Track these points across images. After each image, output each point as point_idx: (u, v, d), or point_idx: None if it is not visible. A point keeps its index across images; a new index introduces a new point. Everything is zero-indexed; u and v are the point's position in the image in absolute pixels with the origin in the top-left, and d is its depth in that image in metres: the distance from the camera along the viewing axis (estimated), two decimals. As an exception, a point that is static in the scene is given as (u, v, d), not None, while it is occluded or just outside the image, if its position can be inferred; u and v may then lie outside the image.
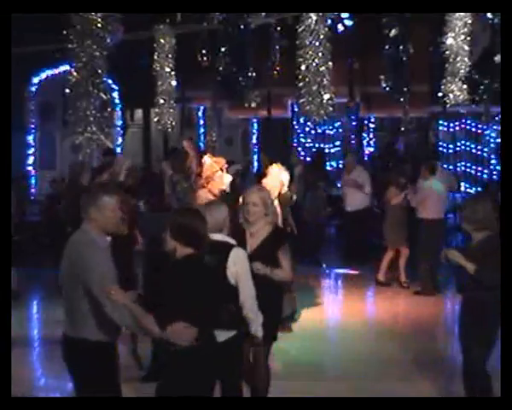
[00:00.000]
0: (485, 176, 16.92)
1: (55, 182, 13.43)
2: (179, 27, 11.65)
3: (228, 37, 10.44)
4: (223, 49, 10.50)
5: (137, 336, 6.79)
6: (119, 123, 16.01)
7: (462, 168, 16.91)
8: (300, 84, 9.64)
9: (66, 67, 10.25)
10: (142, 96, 14.58)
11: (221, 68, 10.55)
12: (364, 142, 18.07)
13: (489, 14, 9.79)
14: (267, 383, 5.80)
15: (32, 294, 10.59)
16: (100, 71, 9.15)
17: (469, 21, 9.08)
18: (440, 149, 17.31)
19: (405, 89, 11.35)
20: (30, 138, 15.28)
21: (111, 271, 4.57)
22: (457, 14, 9.02)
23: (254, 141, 18.35)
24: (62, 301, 4.64)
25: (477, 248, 5.66)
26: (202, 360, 4.42)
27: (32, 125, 15.29)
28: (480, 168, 17.22)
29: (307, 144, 18.21)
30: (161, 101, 11.57)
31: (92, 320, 4.49)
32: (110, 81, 12.16)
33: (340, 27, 14.09)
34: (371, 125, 18.36)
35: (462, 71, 9.16)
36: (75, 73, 9.13)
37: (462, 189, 15.84)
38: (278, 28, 12.45)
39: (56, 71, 14.51)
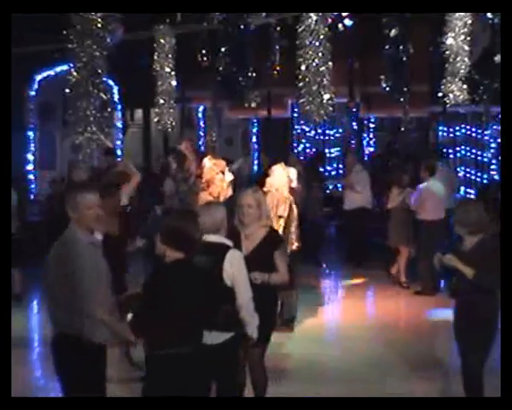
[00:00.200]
0: (485, 181, 16.92)
1: (55, 182, 13.42)
2: (179, 27, 11.65)
3: (228, 37, 10.44)
4: (223, 49, 10.51)
5: None
6: (119, 123, 15.99)
7: (462, 173, 16.89)
8: (300, 84, 9.65)
9: (66, 67, 10.25)
10: (142, 96, 14.58)
11: (221, 68, 10.55)
12: (364, 142, 18.07)
13: (489, 14, 9.79)
14: (264, 383, 5.81)
15: (32, 294, 10.58)
16: (100, 71, 9.15)
17: (469, 21, 9.08)
18: (440, 150, 17.32)
19: (405, 89, 11.36)
20: (30, 138, 15.26)
21: (97, 269, 4.60)
22: (457, 14, 9.02)
23: (254, 141, 18.35)
24: (48, 300, 4.68)
25: (473, 252, 5.62)
26: (191, 364, 4.38)
27: (32, 125, 15.27)
28: (479, 174, 17.22)
29: (307, 144, 18.21)
30: (161, 101, 11.57)
31: (78, 318, 4.53)
32: (110, 81, 12.17)
33: (340, 27, 14.08)
34: (371, 125, 18.36)
35: (462, 71, 9.16)
36: (75, 73, 9.14)
37: (462, 192, 15.82)
38: (278, 28, 12.45)
39: (56, 71, 14.51)
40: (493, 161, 16.85)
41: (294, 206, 8.46)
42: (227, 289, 5.15)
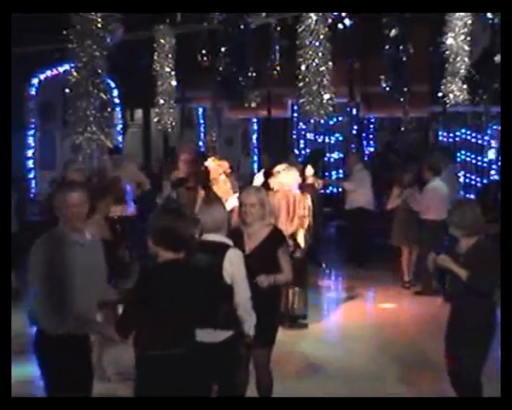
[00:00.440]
0: (485, 164, 16.94)
1: (55, 182, 13.41)
2: (179, 27, 11.64)
3: (228, 37, 10.42)
4: (223, 49, 10.49)
5: None
6: (119, 123, 15.99)
7: (462, 178, 16.91)
8: (300, 84, 9.64)
9: (66, 67, 10.25)
10: (142, 96, 14.57)
11: (221, 68, 10.53)
12: (364, 142, 18.07)
13: (489, 14, 9.79)
14: (270, 385, 5.80)
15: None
16: (100, 71, 9.14)
17: (469, 21, 9.06)
18: (440, 138, 17.36)
19: (405, 89, 11.34)
20: (30, 138, 15.26)
21: (82, 269, 4.64)
22: (457, 14, 9.01)
23: (254, 141, 18.35)
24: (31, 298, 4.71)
25: (469, 254, 5.55)
26: (185, 364, 4.35)
27: (32, 125, 15.27)
28: (478, 179, 17.24)
29: (307, 145, 18.21)
30: (161, 101, 11.56)
31: (61, 312, 4.58)
32: (110, 81, 12.16)
33: (341, 27, 14.07)
34: (371, 126, 18.37)
35: (462, 71, 9.14)
36: (75, 73, 9.12)
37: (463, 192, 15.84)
38: (278, 28, 12.44)
39: (56, 71, 14.51)
40: (493, 166, 16.88)
41: (311, 204, 8.59)
42: (227, 287, 5.16)
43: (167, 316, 4.30)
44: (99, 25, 8.99)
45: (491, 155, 17.24)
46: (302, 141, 18.14)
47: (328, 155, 17.83)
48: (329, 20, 9.79)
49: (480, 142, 17.28)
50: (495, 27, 9.97)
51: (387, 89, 11.38)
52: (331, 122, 17.46)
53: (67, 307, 4.60)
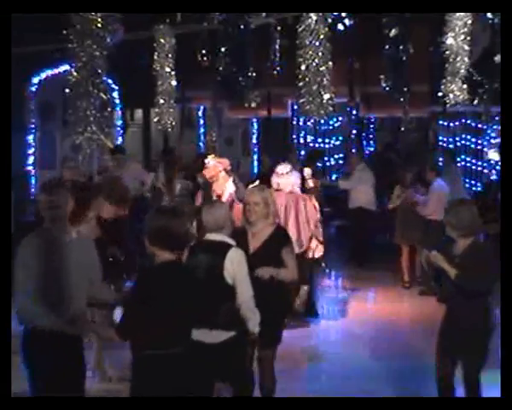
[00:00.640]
0: (485, 170, 16.93)
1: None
2: (179, 27, 11.64)
3: (228, 37, 10.42)
4: (223, 49, 10.49)
5: None
6: (119, 123, 15.99)
7: (463, 163, 16.92)
8: (300, 84, 9.65)
9: (66, 67, 10.24)
10: (142, 96, 14.56)
11: (221, 68, 10.53)
12: (364, 142, 18.07)
13: (489, 14, 9.78)
14: (272, 385, 5.79)
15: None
16: (100, 71, 9.15)
17: (469, 21, 9.06)
18: (440, 143, 17.35)
19: (405, 89, 11.34)
20: (30, 138, 15.25)
21: (67, 266, 4.66)
22: (457, 14, 9.01)
23: (254, 141, 18.35)
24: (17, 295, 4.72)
25: (466, 255, 5.49)
26: (182, 364, 4.35)
27: (32, 125, 15.26)
28: (479, 163, 17.23)
29: (307, 144, 18.21)
30: (161, 101, 11.56)
31: (51, 310, 4.60)
32: (110, 81, 12.15)
33: (340, 27, 14.07)
34: (371, 126, 18.36)
35: (462, 71, 9.14)
36: (75, 73, 9.13)
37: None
38: (278, 28, 12.44)
39: (56, 71, 14.50)
40: (492, 163, 16.88)
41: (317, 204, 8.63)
42: (228, 287, 5.15)
43: (165, 316, 4.30)
44: (99, 25, 9.00)
45: (492, 154, 17.22)
46: (302, 141, 18.15)
47: (327, 157, 17.83)
48: (329, 20, 9.80)
49: (479, 147, 17.29)
50: (495, 27, 9.96)
51: (387, 89, 11.38)
52: (331, 124, 17.50)
53: (58, 305, 4.60)
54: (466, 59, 9.17)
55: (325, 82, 9.56)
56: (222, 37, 10.61)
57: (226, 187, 9.01)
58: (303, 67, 9.60)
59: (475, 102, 10.78)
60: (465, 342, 5.48)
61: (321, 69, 9.54)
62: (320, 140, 18.21)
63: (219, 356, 5.12)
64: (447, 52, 9.18)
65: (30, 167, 15.30)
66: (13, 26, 5.63)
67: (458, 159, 16.83)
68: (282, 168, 8.62)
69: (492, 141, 17.09)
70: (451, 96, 9.23)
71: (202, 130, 18.07)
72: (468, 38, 9.12)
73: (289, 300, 6.54)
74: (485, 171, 16.94)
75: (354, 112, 16.98)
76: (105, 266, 6.78)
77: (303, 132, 18.17)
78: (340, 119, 17.70)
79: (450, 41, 9.11)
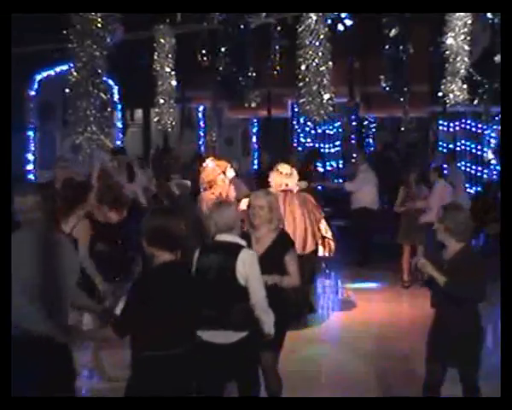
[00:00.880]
0: (485, 176, 16.92)
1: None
2: (179, 27, 11.64)
3: (228, 37, 10.42)
4: (223, 49, 10.49)
5: None
6: (119, 123, 15.99)
7: (463, 168, 16.94)
8: (300, 84, 9.64)
9: (66, 67, 10.24)
10: (142, 96, 14.57)
11: (221, 68, 10.53)
12: (364, 142, 18.08)
13: (489, 14, 9.78)
14: (279, 388, 5.78)
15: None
16: (100, 71, 9.14)
17: (469, 21, 9.06)
18: (440, 149, 17.34)
19: (405, 89, 11.34)
20: (30, 138, 15.25)
21: (43, 268, 4.62)
22: (457, 14, 9.01)
23: (254, 141, 18.36)
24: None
25: (457, 260, 5.47)
26: (183, 365, 4.34)
27: (32, 126, 15.27)
28: (479, 168, 17.24)
29: (307, 144, 18.22)
30: (161, 101, 11.57)
31: (39, 314, 4.57)
32: (110, 81, 12.15)
33: (340, 27, 14.08)
34: (371, 126, 18.37)
35: (462, 71, 9.14)
36: (75, 73, 9.12)
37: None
38: (278, 28, 12.44)
39: (56, 71, 14.50)
40: (492, 156, 16.88)
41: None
42: (240, 288, 5.12)
43: (165, 317, 4.29)
44: (99, 25, 9.00)
45: (491, 155, 17.24)
46: (302, 140, 18.16)
47: (327, 161, 17.85)
48: (329, 21, 9.80)
49: (479, 153, 17.30)
50: (495, 27, 9.96)
51: (387, 89, 11.39)
52: (331, 129, 17.53)
53: (41, 310, 4.57)
54: (466, 59, 9.16)
55: (325, 82, 9.56)
56: (222, 37, 10.61)
57: (227, 175, 9.05)
58: (303, 67, 9.60)
59: (475, 102, 10.78)
60: (455, 348, 5.46)
61: (321, 69, 9.54)
62: (321, 145, 18.22)
63: (230, 357, 5.11)
64: (447, 52, 9.17)
65: (30, 167, 15.30)
66: (13, 26, 5.62)
67: (458, 164, 16.88)
68: (287, 168, 8.65)
69: (492, 141, 17.10)
70: (451, 96, 9.23)
71: (202, 130, 18.08)
72: (468, 38, 9.12)
73: (292, 303, 6.53)
74: (485, 176, 16.93)
75: (354, 112, 16.99)
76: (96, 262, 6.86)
77: (303, 135, 18.17)
78: (340, 124, 17.72)
79: (450, 41, 9.11)
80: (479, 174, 17.22)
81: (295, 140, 18.15)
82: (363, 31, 13.84)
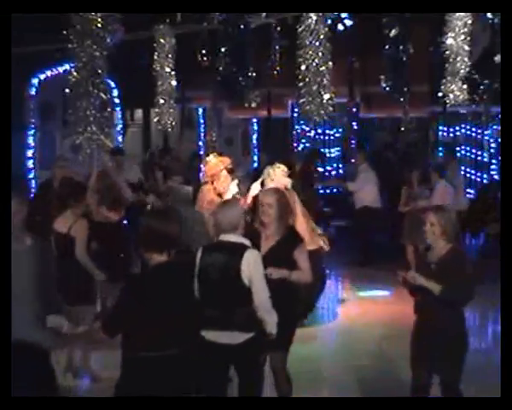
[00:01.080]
0: (484, 181, 16.92)
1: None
2: (179, 27, 11.64)
3: (228, 37, 10.41)
4: (223, 49, 10.48)
5: None
6: (119, 123, 15.99)
7: (462, 172, 16.92)
8: (300, 84, 9.64)
9: (66, 67, 10.25)
10: (142, 96, 14.57)
11: (221, 68, 10.53)
12: (364, 142, 18.06)
13: (489, 14, 9.78)
14: (288, 388, 5.78)
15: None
16: (100, 71, 9.14)
17: (469, 21, 9.06)
18: (441, 154, 17.34)
19: (405, 89, 11.34)
20: (30, 138, 15.25)
21: (19, 275, 4.64)
22: (457, 14, 9.00)
23: (254, 141, 18.35)
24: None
25: (445, 261, 5.49)
26: (177, 366, 4.33)
27: (32, 125, 15.26)
28: (479, 174, 17.23)
29: (307, 144, 18.20)
30: (161, 101, 11.56)
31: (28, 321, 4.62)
32: (110, 81, 12.15)
33: (340, 27, 14.07)
34: (371, 126, 18.37)
35: (462, 71, 9.14)
36: (75, 73, 9.13)
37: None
38: (278, 28, 12.44)
39: (56, 71, 14.50)
40: (493, 161, 16.87)
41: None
42: (245, 288, 5.10)
43: (159, 318, 4.28)
44: (99, 25, 9.00)
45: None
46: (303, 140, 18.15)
47: (327, 150, 17.83)
48: (329, 21, 9.79)
49: (479, 158, 17.28)
50: (495, 27, 9.96)
51: (387, 89, 11.39)
52: (332, 134, 17.53)
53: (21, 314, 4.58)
54: (466, 59, 9.16)
55: (325, 82, 9.56)
56: (222, 37, 10.60)
57: (230, 188, 9.00)
58: (303, 68, 9.59)
59: (475, 102, 10.78)
60: (442, 354, 5.46)
61: (321, 69, 9.54)
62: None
63: (235, 357, 5.10)
64: (447, 52, 9.17)
65: (30, 167, 15.30)
66: (13, 26, 5.63)
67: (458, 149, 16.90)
68: (285, 167, 8.66)
69: (492, 145, 17.10)
70: (451, 96, 9.22)
71: (202, 130, 18.07)
72: (468, 38, 9.12)
73: (301, 301, 6.51)
74: (485, 181, 16.92)
75: (354, 112, 16.98)
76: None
77: (303, 140, 18.15)
78: (340, 130, 17.72)
79: (450, 41, 9.11)
80: (478, 179, 17.22)
81: (295, 140, 18.13)
82: (363, 31, 13.83)
